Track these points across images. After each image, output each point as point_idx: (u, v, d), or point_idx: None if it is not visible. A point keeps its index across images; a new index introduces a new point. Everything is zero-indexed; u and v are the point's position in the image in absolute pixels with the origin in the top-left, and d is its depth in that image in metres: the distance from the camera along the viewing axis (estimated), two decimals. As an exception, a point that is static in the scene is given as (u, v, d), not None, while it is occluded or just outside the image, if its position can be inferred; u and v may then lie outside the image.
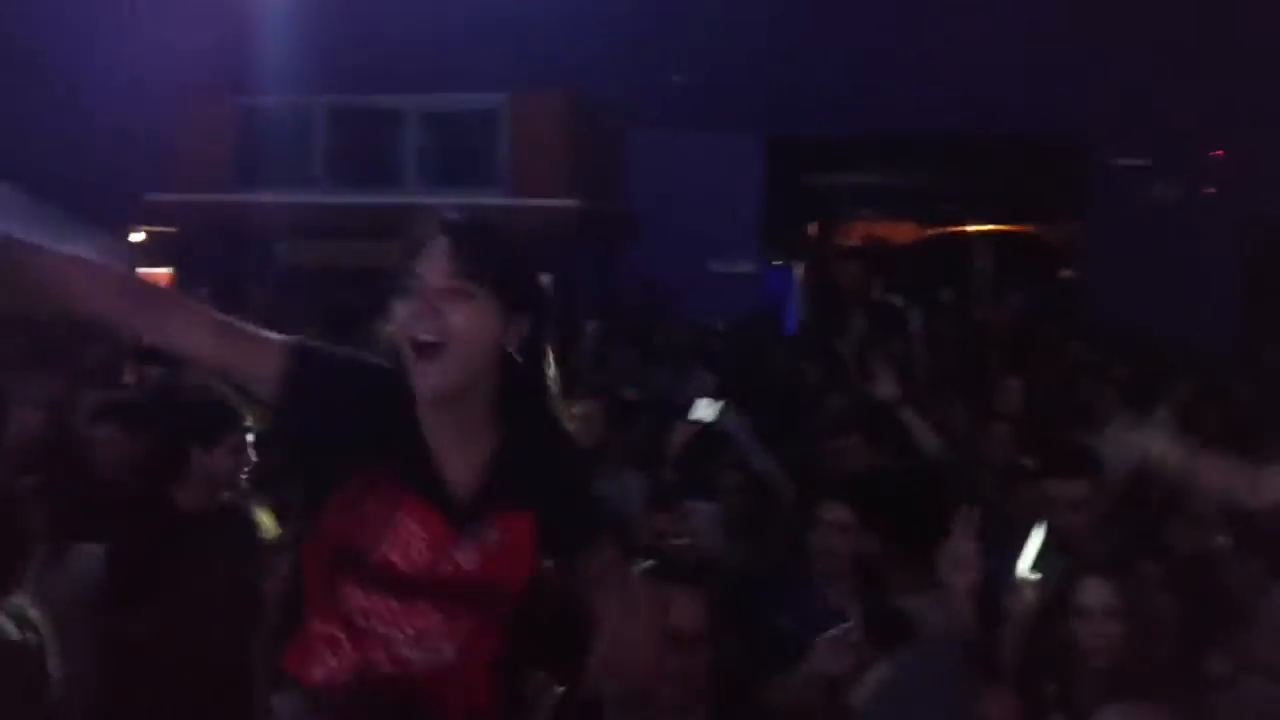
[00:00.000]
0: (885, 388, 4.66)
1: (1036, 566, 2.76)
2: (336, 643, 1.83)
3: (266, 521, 3.29)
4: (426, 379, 1.73)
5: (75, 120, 7.98)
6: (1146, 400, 6.54)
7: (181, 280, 9.94)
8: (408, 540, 1.80)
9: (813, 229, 14.29)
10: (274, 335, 1.81)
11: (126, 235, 10.06)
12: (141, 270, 10.05)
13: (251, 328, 1.82)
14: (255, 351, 1.79)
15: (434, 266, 1.72)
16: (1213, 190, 9.27)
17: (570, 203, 8.35)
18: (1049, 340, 8.47)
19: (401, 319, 1.73)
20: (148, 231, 10.07)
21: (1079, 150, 9.72)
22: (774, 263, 12.44)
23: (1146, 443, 2.77)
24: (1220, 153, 9.27)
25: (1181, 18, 8.83)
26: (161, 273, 10.15)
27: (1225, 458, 2.59)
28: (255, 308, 8.04)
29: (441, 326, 1.71)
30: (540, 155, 8.32)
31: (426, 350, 1.71)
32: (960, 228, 14.09)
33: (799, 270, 12.96)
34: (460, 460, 1.81)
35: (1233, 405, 6.11)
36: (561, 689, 2.63)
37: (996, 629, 2.71)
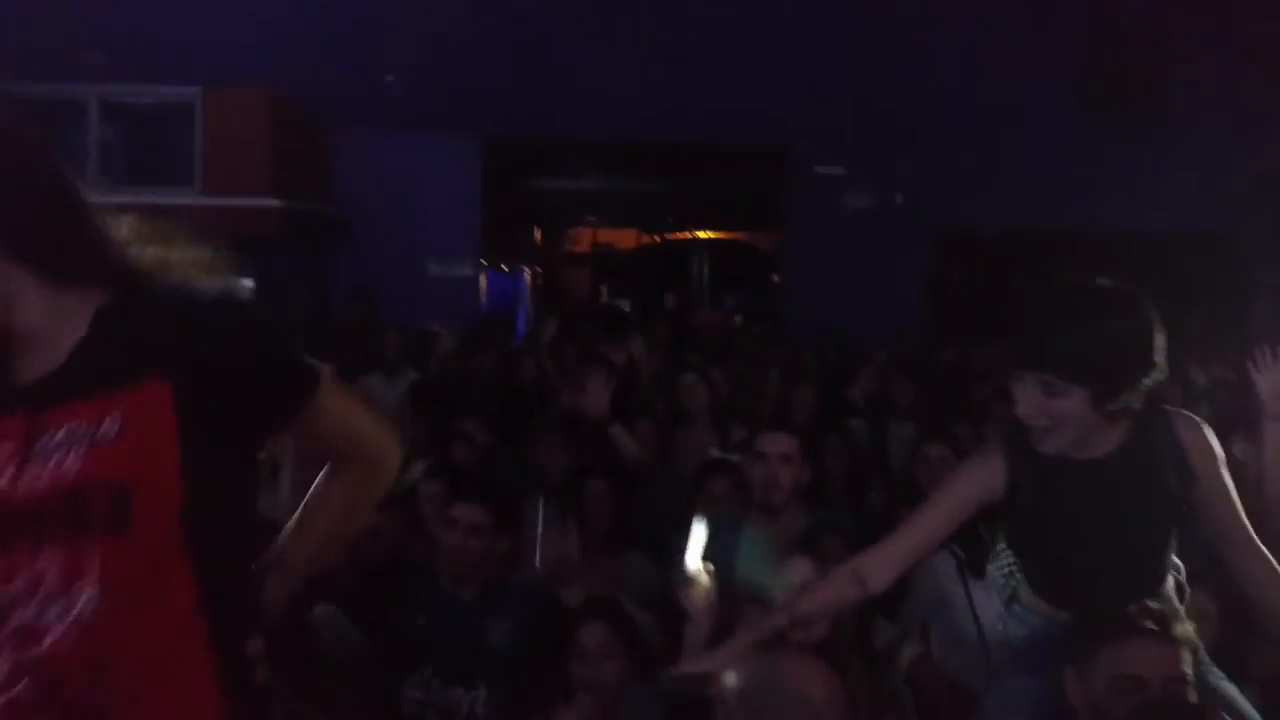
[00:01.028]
0: (595, 404, 4.78)
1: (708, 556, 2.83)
2: None
3: None
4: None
5: None
6: (836, 396, 7.05)
7: None
8: None
9: (539, 235, 14.39)
10: None
11: None
12: None
13: None
14: None
15: None
16: (901, 199, 9.92)
17: (271, 203, 8.03)
18: (751, 342, 8.85)
19: None
20: None
21: (783, 161, 10.20)
22: (503, 268, 12.42)
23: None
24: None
25: (879, 31, 9.45)
26: None
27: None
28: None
29: None
30: (238, 153, 7.95)
31: None
32: (681, 235, 14.56)
33: (527, 275, 13.01)
34: (46, 341, 1.45)
35: (921, 388, 6.61)
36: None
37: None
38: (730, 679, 2.06)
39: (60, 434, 1.40)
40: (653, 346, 7.78)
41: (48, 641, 1.36)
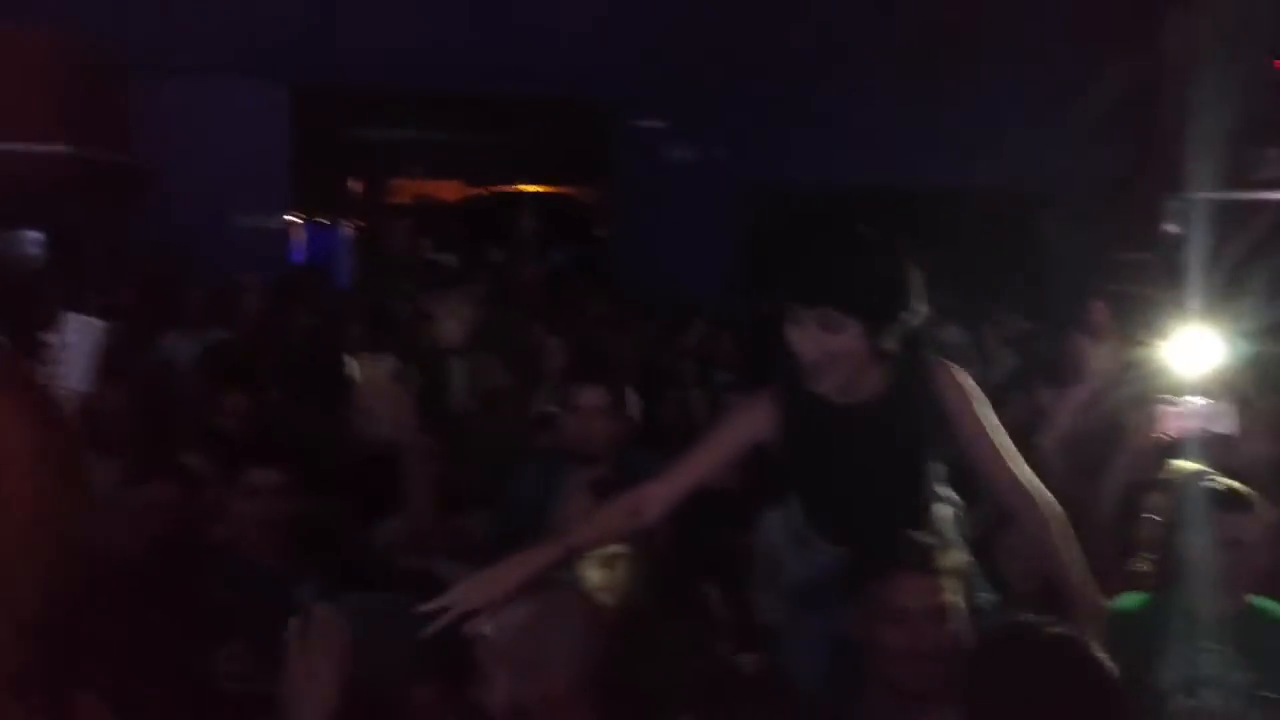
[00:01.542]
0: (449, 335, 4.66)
1: None
2: None
3: None
4: None
5: None
6: (662, 349, 7.09)
7: None
8: None
9: (358, 186, 13.94)
10: None
11: None
12: None
13: None
14: None
15: None
16: (723, 154, 9.98)
17: (60, 149, 7.50)
18: (574, 296, 8.78)
19: None
20: None
21: (605, 114, 10.13)
22: (317, 220, 11.98)
23: None
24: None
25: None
26: None
27: None
28: None
29: None
30: (22, 96, 7.39)
31: None
32: (505, 188, 14.33)
33: (346, 228, 12.60)
34: None
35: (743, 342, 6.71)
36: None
37: None
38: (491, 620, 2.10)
39: None
40: (478, 300, 7.65)
41: None
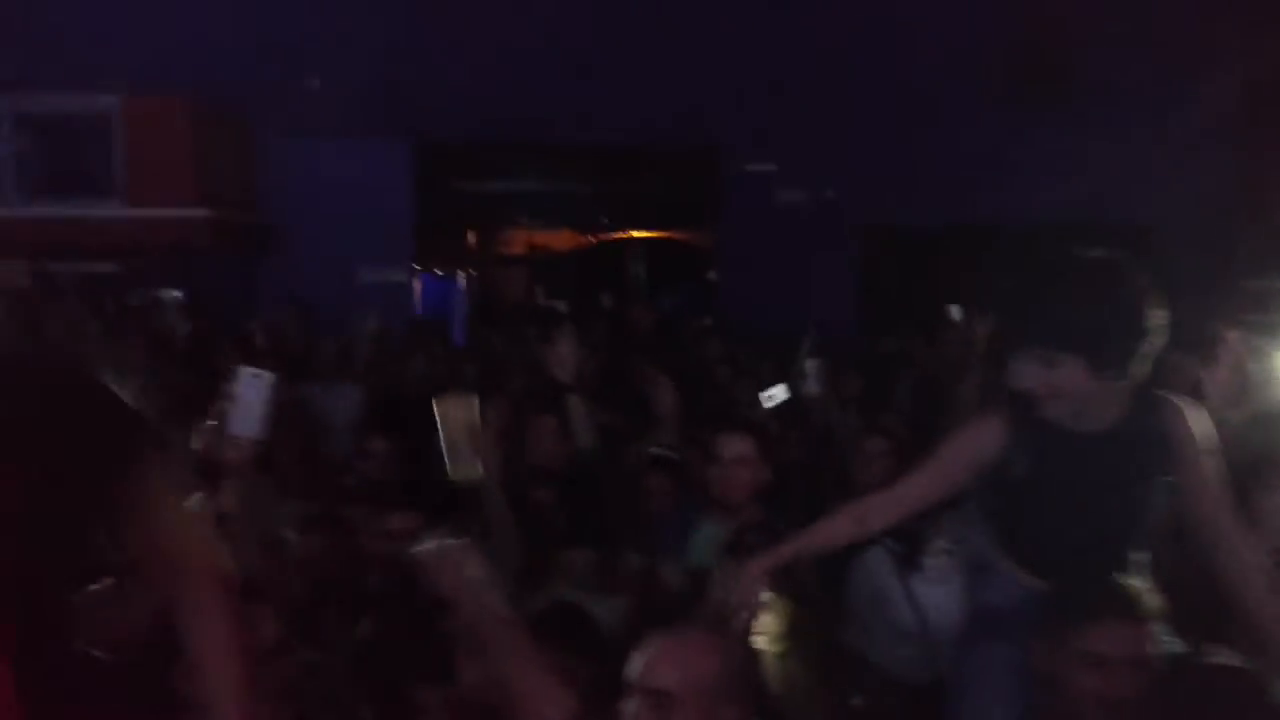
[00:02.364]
0: (562, 367, 4.78)
1: None
2: None
3: None
4: None
5: None
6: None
7: None
8: None
9: (472, 237, 14.28)
10: None
11: None
12: None
13: None
14: None
15: None
16: (831, 194, 10.01)
17: (198, 213, 7.90)
18: (688, 338, 8.86)
19: None
20: None
21: (714, 159, 10.25)
22: (435, 272, 12.30)
23: None
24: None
25: (799, 27, 9.53)
26: None
27: None
28: None
29: None
30: (162, 163, 7.81)
31: None
32: (615, 235, 14.54)
33: (462, 279, 12.90)
34: None
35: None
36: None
37: None
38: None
39: None
40: (592, 346, 7.76)
41: None
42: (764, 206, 10.03)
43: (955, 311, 5.78)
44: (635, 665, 2.10)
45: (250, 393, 2.89)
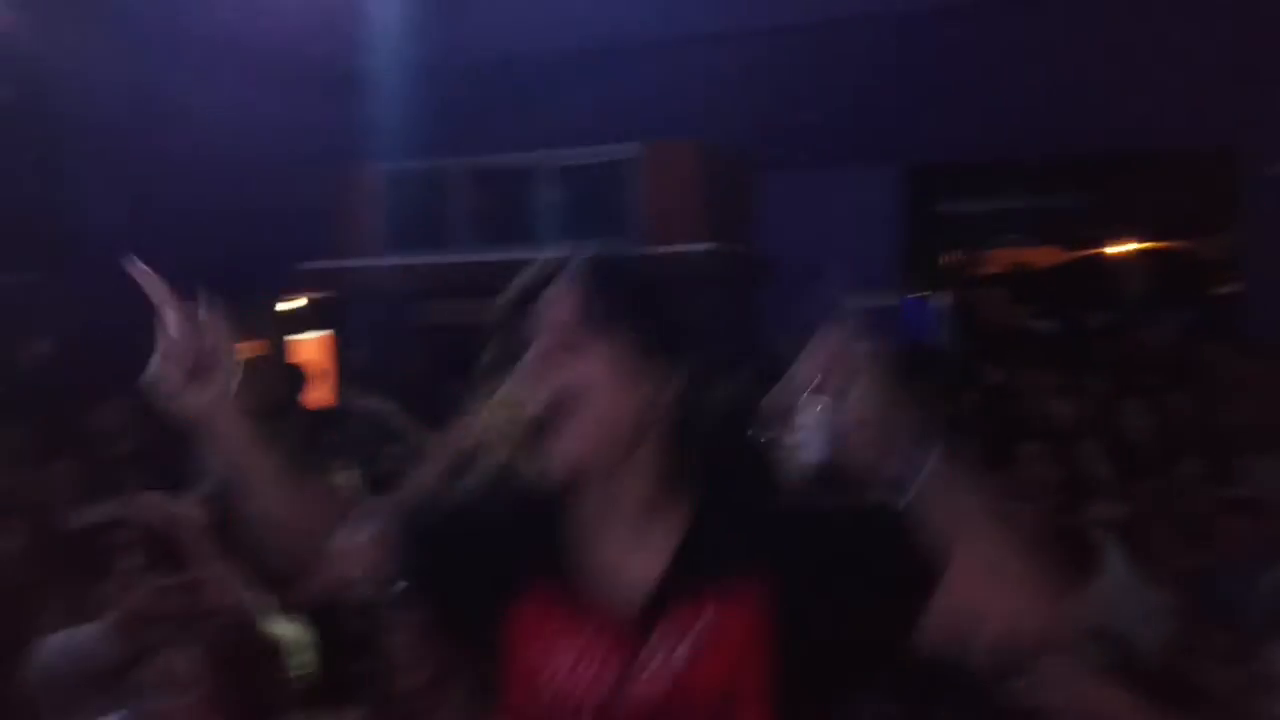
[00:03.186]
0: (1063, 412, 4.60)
1: None
2: None
3: None
4: (552, 460, 1.38)
5: (237, 196, 8.44)
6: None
7: (339, 343, 10.40)
8: (574, 668, 1.40)
9: (953, 257, 14.05)
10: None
11: (288, 302, 10.58)
12: (300, 336, 10.55)
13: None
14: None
15: (548, 315, 1.43)
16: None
17: (703, 247, 8.44)
18: (1213, 356, 8.12)
19: (507, 394, 1.41)
20: (308, 298, 10.56)
21: (1230, 162, 9.35)
22: (912, 294, 12.25)
23: None
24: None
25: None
26: (320, 336, 10.63)
27: None
28: (404, 367, 8.37)
29: (558, 390, 1.38)
30: (675, 204, 8.43)
31: (547, 425, 1.38)
32: (1105, 249, 13.67)
33: (940, 300, 12.74)
34: (633, 552, 1.43)
35: None
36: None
37: None
38: None
39: (662, 640, 1.37)
40: (1086, 369, 7.37)
41: None
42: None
43: None
44: None
45: (815, 420, 3.02)
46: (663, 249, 8.24)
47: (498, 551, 1.47)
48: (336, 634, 3.09)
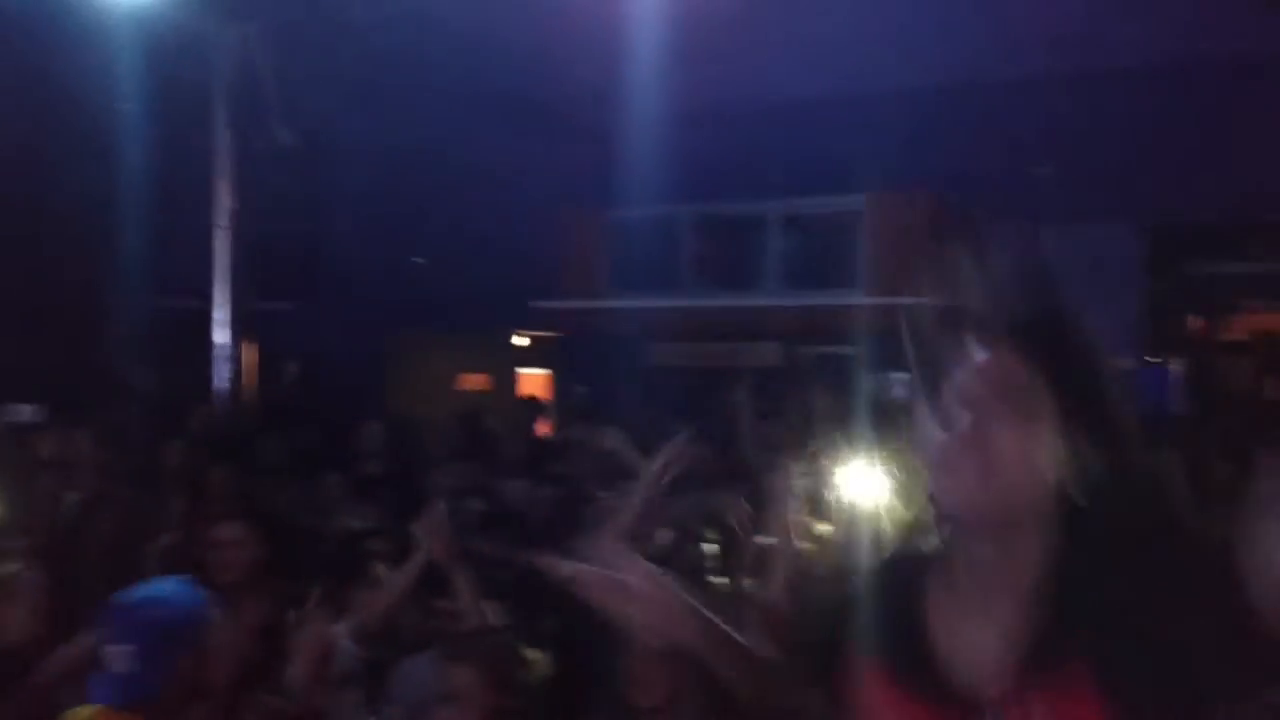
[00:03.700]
0: None
1: None
2: None
3: None
4: (952, 500, 1.30)
5: (472, 237, 8.86)
6: None
7: (558, 381, 10.73)
8: None
9: (1195, 322, 13.30)
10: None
11: (514, 338, 11.00)
12: (523, 371, 10.94)
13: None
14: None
15: (983, 376, 1.30)
16: None
17: (928, 299, 8.29)
18: None
19: (932, 447, 1.32)
20: (531, 336, 10.94)
21: None
22: (1147, 359, 11.65)
23: None
24: None
25: None
26: (541, 374, 10.98)
27: None
28: (625, 407, 8.56)
29: (986, 460, 1.27)
30: (900, 254, 8.35)
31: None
32: (1372, 317, 12.65)
33: (1175, 367, 12.07)
34: (978, 631, 1.33)
35: None
36: None
37: None
38: None
39: None
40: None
41: None
42: None
43: None
44: None
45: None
46: (886, 300, 8.19)
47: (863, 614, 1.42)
48: (573, 656, 3.19)
